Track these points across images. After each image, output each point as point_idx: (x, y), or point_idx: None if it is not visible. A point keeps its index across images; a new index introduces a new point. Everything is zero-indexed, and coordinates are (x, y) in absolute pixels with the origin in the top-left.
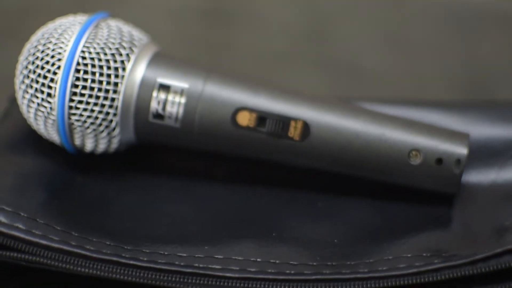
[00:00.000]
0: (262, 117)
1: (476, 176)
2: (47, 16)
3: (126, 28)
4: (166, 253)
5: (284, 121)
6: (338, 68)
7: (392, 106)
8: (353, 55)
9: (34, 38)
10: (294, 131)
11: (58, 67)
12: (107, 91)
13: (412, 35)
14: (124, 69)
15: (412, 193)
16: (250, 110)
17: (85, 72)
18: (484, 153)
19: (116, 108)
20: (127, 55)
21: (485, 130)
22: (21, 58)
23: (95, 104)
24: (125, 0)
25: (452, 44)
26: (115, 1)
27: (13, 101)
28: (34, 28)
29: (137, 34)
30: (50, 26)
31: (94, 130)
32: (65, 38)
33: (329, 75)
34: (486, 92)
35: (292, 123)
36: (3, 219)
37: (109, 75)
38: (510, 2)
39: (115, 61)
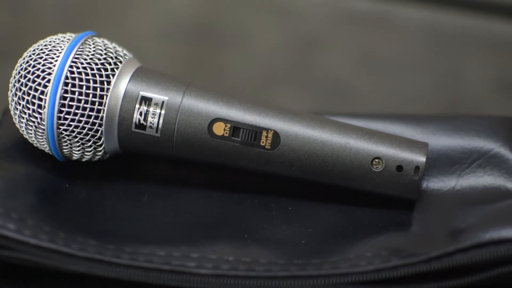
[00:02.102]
0: (236, 127)
1: (437, 184)
2: (39, 37)
3: (111, 45)
4: (145, 252)
5: (256, 131)
6: (322, 88)
7: (357, 118)
8: (337, 75)
9: (26, 54)
10: (265, 140)
11: (48, 81)
12: (93, 103)
13: (393, 56)
14: (109, 82)
15: (375, 198)
16: (225, 121)
17: (73, 85)
18: (444, 162)
19: (102, 119)
20: (112, 69)
21: (444, 140)
22: (14, 72)
23: (82, 115)
24: (113, 20)
25: (432, 65)
26: (104, 22)
27: (6, 112)
28: (27, 48)
29: (121, 51)
30: (41, 43)
31: (81, 139)
32: (54, 53)
33: (314, 95)
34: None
35: (264, 133)
36: None
37: (95, 88)
38: (489, 25)
39: (101, 75)
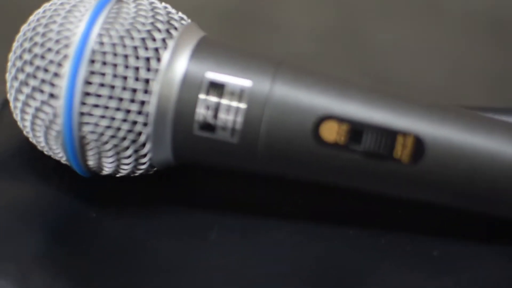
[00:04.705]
0: (357, 130)
1: None
2: None
3: (161, 5)
4: None
5: (388, 136)
6: (372, 75)
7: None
8: (386, 61)
9: (32, 18)
10: (401, 150)
11: (65, 57)
12: (134, 91)
13: (451, 44)
14: (159, 60)
15: None
16: (340, 119)
17: (103, 63)
18: None
19: (148, 115)
20: (163, 40)
21: None
22: (15, 44)
23: (117, 110)
24: None
25: (490, 52)
26: None
27: (4, 104)
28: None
29: (176, 13)
30: (55, 1)
31: (116, 146)
32: (74, 16)
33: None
34: None
35: (400, 139)
36: None
37: (137, 69)
38: None
39: (146, 49)
